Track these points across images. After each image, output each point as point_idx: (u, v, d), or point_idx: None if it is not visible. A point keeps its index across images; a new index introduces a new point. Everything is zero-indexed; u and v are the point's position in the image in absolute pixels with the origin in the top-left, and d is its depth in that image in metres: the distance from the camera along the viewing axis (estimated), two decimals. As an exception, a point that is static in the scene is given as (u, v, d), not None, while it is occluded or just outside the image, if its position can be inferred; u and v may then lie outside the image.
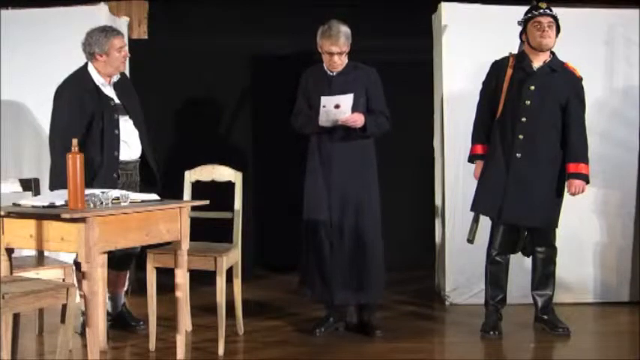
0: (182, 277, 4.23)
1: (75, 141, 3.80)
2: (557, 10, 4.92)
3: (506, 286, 5.06)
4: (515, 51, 5.05)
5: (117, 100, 4.80)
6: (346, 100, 4.75)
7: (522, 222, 4.96)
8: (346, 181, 4.88)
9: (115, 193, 4.00)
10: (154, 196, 4.21)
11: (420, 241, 6.60)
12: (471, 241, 5.07)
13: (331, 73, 4.93)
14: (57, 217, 3.68)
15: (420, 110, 6.34)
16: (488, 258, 5.04)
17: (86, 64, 4.79)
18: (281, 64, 6.80)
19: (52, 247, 3.85)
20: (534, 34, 4.87)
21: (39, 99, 5.56)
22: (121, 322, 5.06)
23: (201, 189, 4.95)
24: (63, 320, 3.81)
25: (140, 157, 4.91)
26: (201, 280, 5.19)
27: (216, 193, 4.70)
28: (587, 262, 5.77)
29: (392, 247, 5.23)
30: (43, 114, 5.40)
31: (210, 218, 4.95)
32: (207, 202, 4.36)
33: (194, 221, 4.78)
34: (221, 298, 4.62)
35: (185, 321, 4.48)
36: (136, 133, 4.85)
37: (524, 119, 4.88)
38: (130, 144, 4.81)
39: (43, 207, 3.82)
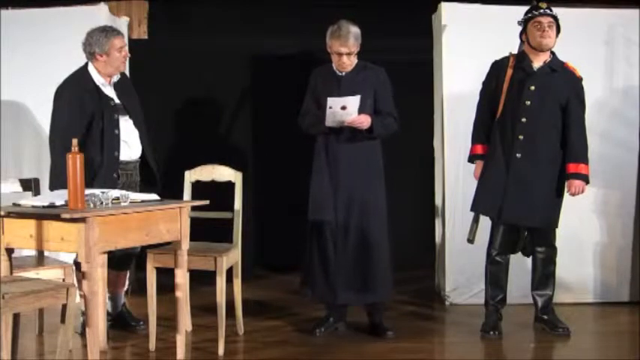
0: (182, 277, 4.23)
1: (75, 141, 3.80)
2: (557, 10, 4.92)
3: (506, 286, 5.06)
4: (515, 51, 5.05)
5: (117, 100, 4.80)
6: (353, 102, 4.74)
7: (522, 222, 4.96)
8: (352, 181, 4.87)
9: (115, 193, 4.00)
10: (154, 196, 4.21)
11: (420, 241, 6.60)
12: (471, 241, 5.07)
13: (340, 74, 4.92)
14: (57, 217, 3.68)
15: (420, 110, 6.34)
16: (488, 258, 5.04)
17: (86, 64, 4.79)
18: (281, 64, 6.81)
19: (52, 247, 3.85)
20: (534, 34, 4.87)
21: (39, 99, 5.56)
22: (121, 322, 5.06)
23: (201, 189, 4.95)
24: (63, 320, 3.81)
25: (140, 157, 4.91)
26: (201, 280, 5.19)
27: (216, 193, 4.70)
28: (587, 262, 5.77)
29: (392, 247, 5.23)
30: (43, 114, 5.40)
31: (210, 218, 4.94)
32: (207, 202, 4.36)
33: (194, 221, 4.78)
34: (221, 298, 4.62)
35: (185, 321, 4.48)
36: (136, 133, 4.85)
37: (524, 119, 4.88)
38: (130, 144, 4.81)
39: (43, 207, 3.82)
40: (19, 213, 3.84)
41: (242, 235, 4.91)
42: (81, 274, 3.79)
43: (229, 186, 4.91)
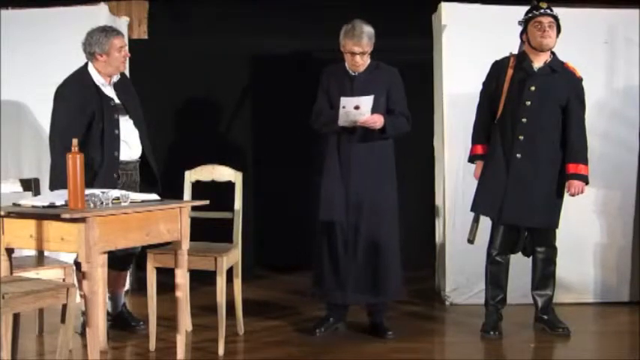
0: (182, 277, 4.23)
1: (75, 141, 3.80)
2: (557, 10, 4.92)
3: (506, 286, 5.06)
4: (515, 51, 5.05)
5: (117, 100, 4.79)
6: (366, 102, 4.73)
7: (522, 222, 4.96)
8: (364, 181, 4.86)
9: (115, 193, 3.99)
10: (154, 196, 4.21)
11: (420, 241, 6.60)
12: (471, 241, 5.07)
13: (353, 73, 4.90)
14: (57, 217, 3.68)
15: (420, 110, 6.33)
16: (488, 258, 5.04)
17: (86, 64, 4.79)
18: (281, 64, 6.81)
19: (52, 247, 3.85)
20: (535, 34, 4.87)
21: (39, 99, 5.56)
22: (121, 322, 5.06)
23: (201, 189, 4.95)
24: (63, 320, 3.81)
25: (140, 157, 4.91)
26: (202, 280, 5.19)
27: (216, 193, 4.70)
28: (587, 262, 5.77)
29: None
30: (43, 114, 5.39)
31: (210, 218, 4.94)
32: (207, 202, 4.35)
33: (194, 221, 4.78)
34: (221, 298, 4.62)
35: (185, 321, 4.48)
36: (136, 133, 4.85)
37: (524, 120, 4.88)
38: (130, 144, 4.81)
39: (43, 207, 3.82)
40: (19, 213, 3.84)
41: (242, 235, 4.91)
42: (81, 274, 3.79)
43: (229, 186, 4.91)
